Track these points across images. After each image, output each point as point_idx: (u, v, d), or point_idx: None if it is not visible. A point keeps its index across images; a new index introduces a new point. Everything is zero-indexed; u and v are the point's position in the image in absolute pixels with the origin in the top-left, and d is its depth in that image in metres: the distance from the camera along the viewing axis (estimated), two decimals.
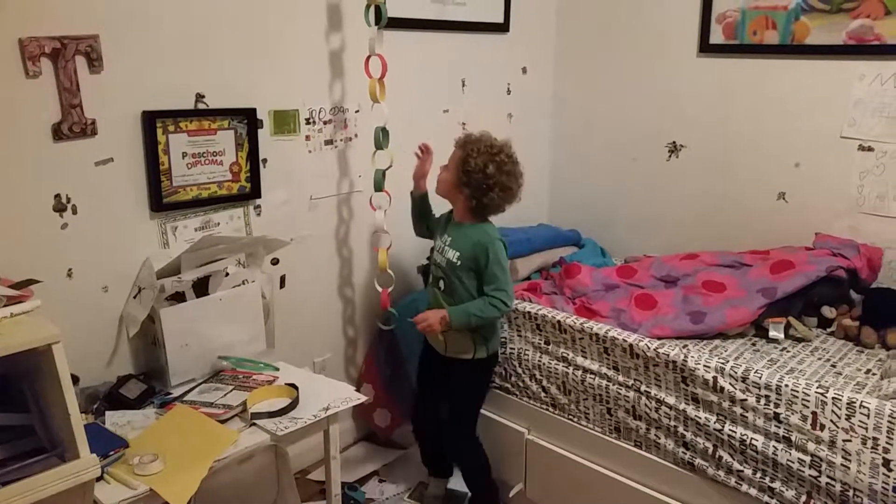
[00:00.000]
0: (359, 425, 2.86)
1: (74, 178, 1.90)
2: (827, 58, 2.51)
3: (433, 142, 2.85)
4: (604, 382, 2.17)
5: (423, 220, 2.36)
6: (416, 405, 2.45)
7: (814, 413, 1.79)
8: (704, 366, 1.95)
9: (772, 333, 2.21)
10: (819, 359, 2.09)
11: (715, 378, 1.93)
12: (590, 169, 3.27)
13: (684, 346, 2.07)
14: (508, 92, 3.16)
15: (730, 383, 1.91)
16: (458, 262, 2.13)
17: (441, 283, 2.20)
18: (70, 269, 1.94)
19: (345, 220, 2.63)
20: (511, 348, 2.39)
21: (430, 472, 2.52)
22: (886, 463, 1.69)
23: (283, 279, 2.48)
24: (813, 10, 2.51)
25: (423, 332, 2.20)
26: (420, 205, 2.34)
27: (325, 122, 2.48)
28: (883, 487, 1.69)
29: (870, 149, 2.47)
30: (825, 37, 2.50)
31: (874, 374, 1.99)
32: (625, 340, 2.10)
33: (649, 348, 2.05)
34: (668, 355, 2.01)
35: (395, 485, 2.60)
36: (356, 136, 2.59)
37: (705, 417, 1.96)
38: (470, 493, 2.39)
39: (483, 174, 2.05)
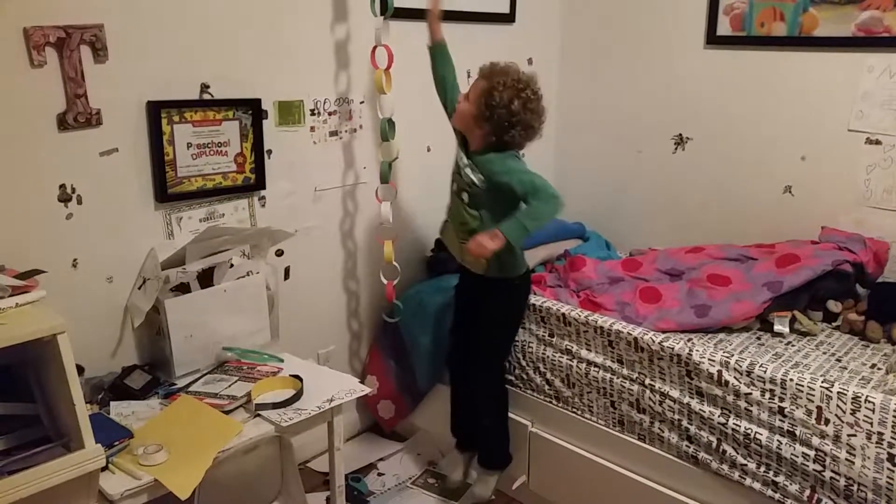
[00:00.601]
0: (362, 417, 2.86)
1: (79, 169, 1.90)
2: (835, 50, 2.49)
3: (439, 132, 2.85)
4: (608, 375, 2.17)
5: (441, 71, 2.24)
6: (450, 352, 2.44)
7: (818, 408, 1.78)
8: (709, 359, 1.95)
9: (777, 327, 2.20)
10: (824, 353, 2.08)
11: (720, 372, 1.93)
12: (595, 161, 3.26)
13: (689, 340, 2.06)
14: None
15: (734, 377, 1.91)
16: (484, 186, 2.05)
17: (465, 196, 2.11)
18: (75, 260, 1.94)
19: (349, 212, 2.63)
20: (515, 340, 2.38)
21: (455, 443, 2.49)
22: (892, 458, 1.68)
23: (287, 271, 2.47)
24: (821, 2, 2.48)
25: (476, 254, 1.99)
26: (439, 57, 2.23)
27: (330, 114, 2.47)
28: (888, 482, 1.69)
29: (877, 142, 2.45)
30: (834, 28, 2.47)
31: (879, 369, 1.98)
32: (629, 333, 2.10)
33: (654, 341, 2.05)
34: (672, 349, 2.01)
35: (395, 476, 2.60)
36: (361, 127, 2.58)
37: (709, 411, 1.96)
38: (478, 452, 2.38)
39: (508, 110, 1.95)
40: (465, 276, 2.29)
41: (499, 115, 1.96)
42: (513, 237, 1.95)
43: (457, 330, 2.40)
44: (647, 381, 2.08)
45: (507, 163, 2.02)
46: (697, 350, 1.98)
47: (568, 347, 2.26)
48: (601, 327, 2.16)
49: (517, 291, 2.25)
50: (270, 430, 1.82)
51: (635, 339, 2.09)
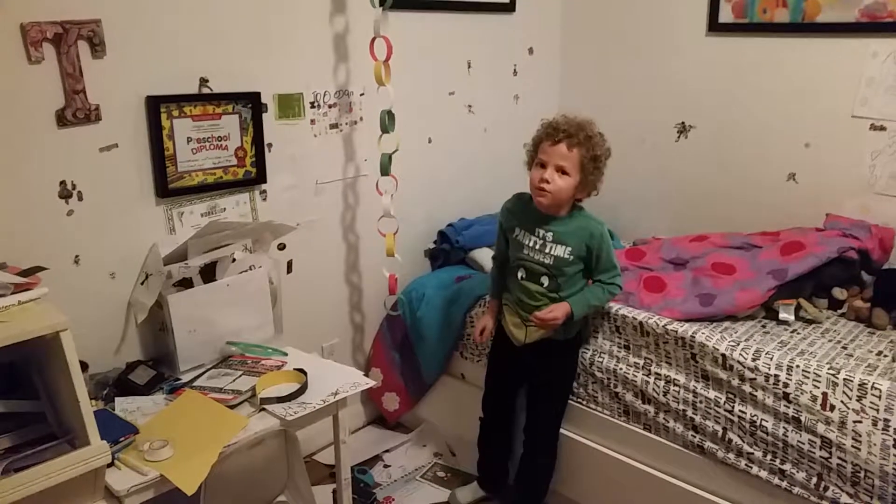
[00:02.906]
0: (367, 409, 2.86)
1: (79, 165, 1.89)
2: (839, 36, 2.47)
3: (440, 123, 2.85)
4: (612, 365, 2.16)
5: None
6: (485, 399, 2.35)
7: (824, 394, 1.78)
8: (715, 341, 1.96)
9: (782, 315, 2.19)
10: (830, 341, 2.07)
11: (724, 356, 1.92)
12: None
13: (694, 328, 2.06)
14: (515, 73, 3.12)
15: (739, 361, 1.90)
16: (570, 258, 2.02)
17: (544, 280, 2.05)
18: (77, 256, 1.94)
19: (351, 205, 2.62)
20: None
21: (479, 480, 2.42)
22: None
23: (289, 264, 2.47)
24: None
25: (545, 326, 2.04)
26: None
27: (329, 106, 2.46)
28: (894, 469, 1.68)
29: (882, 128, 2.43)
30: (837, 14, 2.45)
31: (885, 356, 1.97)
32: (635, 318, 2.11)
33: (658, 325, 2.06)
34: (676, 331, 2.02)
35: (402, 468, 2.60)
36: (361, 119, 2.56)
37: (715, 396, 1.96)
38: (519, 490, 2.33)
39: (604, 161, 2.03)
40: (517, 350, 2.18)
41: (600, 170, 2.03)
42: (578, 314, 2.06)
43: (495, 378, 2.32)
44: (653, 369, 2.08)
45: (598, 223, 2.06)
46: (703, 332, 1.99)
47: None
48: (607, 312, 2.17)
49: (576, 349, 2.21)
50: (276, 424, 1.81)
51: (640, 323, 2.09)
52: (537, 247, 2.06)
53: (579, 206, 2.10)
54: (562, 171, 1.98)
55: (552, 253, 2.04)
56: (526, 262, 2.09)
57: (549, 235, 2.04)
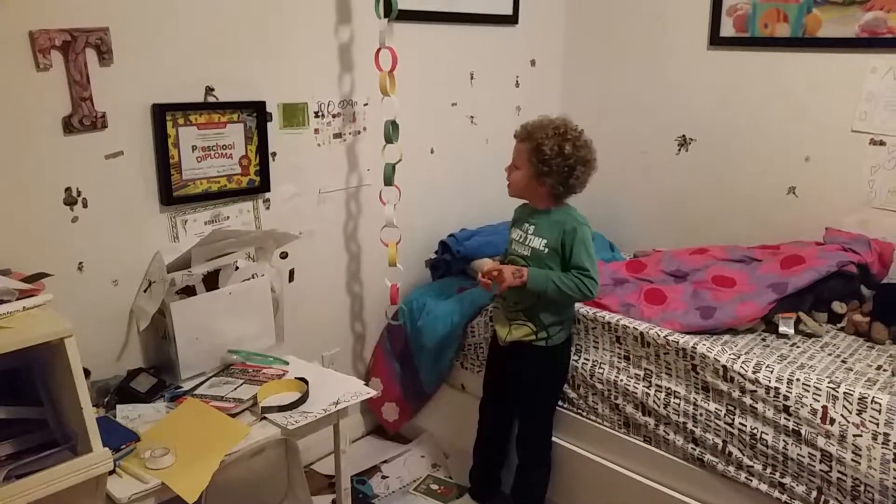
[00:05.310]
0: (367, 419, 2.86)
1: (85, 172, 1.90)
2: (839, 51, 2.49)
3: (442, 134, 2.86)
4: (612, 376, 2.17)
5: None
6: (481, 405, 2.38)
7: (824, 407, 1.78)
8: (716, 354, 1.97)
9: (782, 329, 2.20)
10: (829, 354, 2.08)
11: (725, 367, 1.93)
12: (598, 162, 3.24)
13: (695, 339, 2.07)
14: (517, 85, 3.14)
15: (740, 373, 1.91)
16: (545, 251, 2.06)
17: None
18: (81, 263, 1.94)
19: (353, 215, 2.63)
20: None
21: (469, 490, 2.44)
22: None
23: (291, 273, 2.47)
24: (825, 3, 2.48)
25: (490, 279, 2.07)
26: None
27: (333, 116, 2.47)
28: (894, 483, 1.68)
29: (881, 143, 2.45)
30: (837, 29, 2.47)
31: (885, 370, 1.98)
32: (636, 329, 2.12)
33: (660, 335, 2.07)
34: (677, 343, 2.03)
35: (399, 479, 2.59)
36: (365, 129, 2.58)
37: (715, 409, 1.96)
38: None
39: (562, 157, 1.99)
40: (504, 352, 2.22)
41: (557, 165, 2.00)
42: (532, 283, 2.04)
43: (489, 385, 2.35)
44: (654, 380, 2.09)
45: (576, 219, 2.07)
46: (704, 344, 2.00)
47: (577, 346, 2.26)
48: (608, 322, 2.18)
49: (559, 356, 2.21)
50: (277, 433, 1.81)
51: (641, 333, 2.10)
52: (520, 239, 2.15)
53: (565, 203, 2.12)
54: (514, 165, 2.11)
55: (530, 245, 2.10)
56: (510, 256, 2.18)
57: (531, 228, 2.12)
